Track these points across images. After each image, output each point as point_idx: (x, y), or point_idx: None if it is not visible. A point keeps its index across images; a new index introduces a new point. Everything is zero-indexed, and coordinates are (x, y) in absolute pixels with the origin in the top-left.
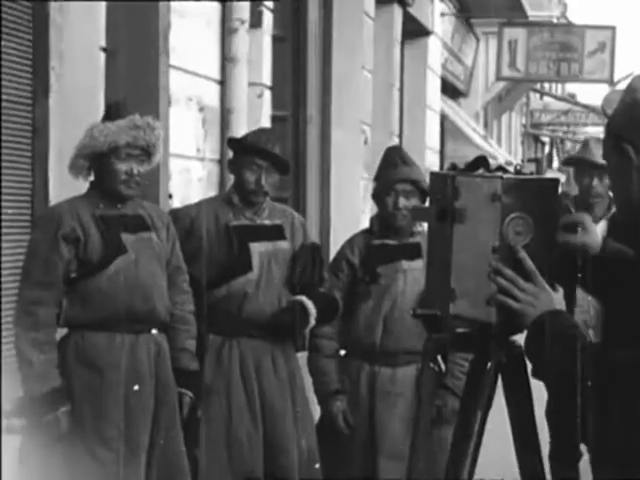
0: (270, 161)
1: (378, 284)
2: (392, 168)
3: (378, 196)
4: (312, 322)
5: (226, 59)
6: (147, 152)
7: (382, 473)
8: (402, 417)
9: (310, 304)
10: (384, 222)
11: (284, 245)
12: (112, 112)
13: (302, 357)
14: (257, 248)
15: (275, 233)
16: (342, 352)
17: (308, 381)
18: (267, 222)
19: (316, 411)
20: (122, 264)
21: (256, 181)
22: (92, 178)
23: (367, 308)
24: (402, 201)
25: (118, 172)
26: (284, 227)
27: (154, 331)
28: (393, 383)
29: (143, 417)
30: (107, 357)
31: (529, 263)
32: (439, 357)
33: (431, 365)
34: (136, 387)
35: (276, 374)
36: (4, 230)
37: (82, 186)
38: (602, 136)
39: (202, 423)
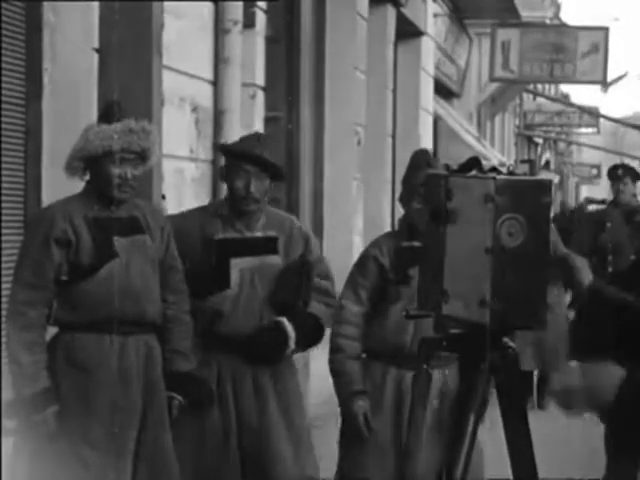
0: (259, 166)
1: (409, 286)
2: (417, 171)
3: (404, 199)
4: (291, 345)
5: (219, 60)
6: (142, 156)
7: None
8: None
9: (289, 326)
10: (411, 225)
11: (274, 260)
12: (108, 114)
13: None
14: (239, 264)
15: (265, 247)
16: (362, 355)
17: (308, 391)
18: (259, 234)
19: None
20: (112, 268)
21: (245, 187)
22: (88, 178)
23: (397, 310)
24: None
25: (112, 176)
26: (278, 240)
27: (144, 333)
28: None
29: (130, 419)
30: (95, 358)
31: None
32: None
33: (424, 366)
34: (125, 389)
35: (257, 395)
36: None
37: (75, 188)
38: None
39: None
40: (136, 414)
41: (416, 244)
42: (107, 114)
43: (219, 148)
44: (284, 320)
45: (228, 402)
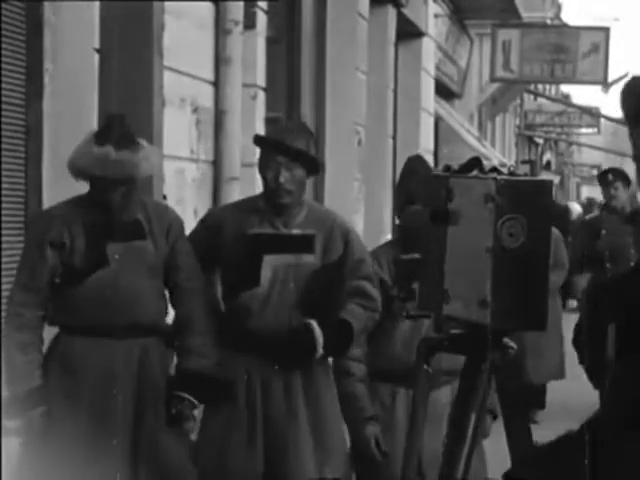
0: (289, 156)
1: (415, 301)
2: (410, 178)
3: (396, 208)
4: (319, 350)
5: (220, 60)
6: (124, 181)
7: None
8: (441, 440)
9: (317, 330)
10: (407, 229)
11: (310, 259)
12: (103, 133)
13: None
14: (273, 261)
15: (301, 245)
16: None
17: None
18: (295, 231)
19: None
20: (102, 275)
21: (274, 178)
22: None
23: (405, 327)
24: None
25: (103, 188)
26: (316, 238)
27: (139, 337)
28: (434, 406)
29: (118, 421)
30: (84, 360)
31: None
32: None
33: (425, 366)
34: (114, 391)
35: (288, 400)
36: None
37: (76, 189)
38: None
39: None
40: (126, 417)
41: (416, 256)
42: (102, 132)
43: (253, 139)
44: (313, 323)
45: (256, 404)
